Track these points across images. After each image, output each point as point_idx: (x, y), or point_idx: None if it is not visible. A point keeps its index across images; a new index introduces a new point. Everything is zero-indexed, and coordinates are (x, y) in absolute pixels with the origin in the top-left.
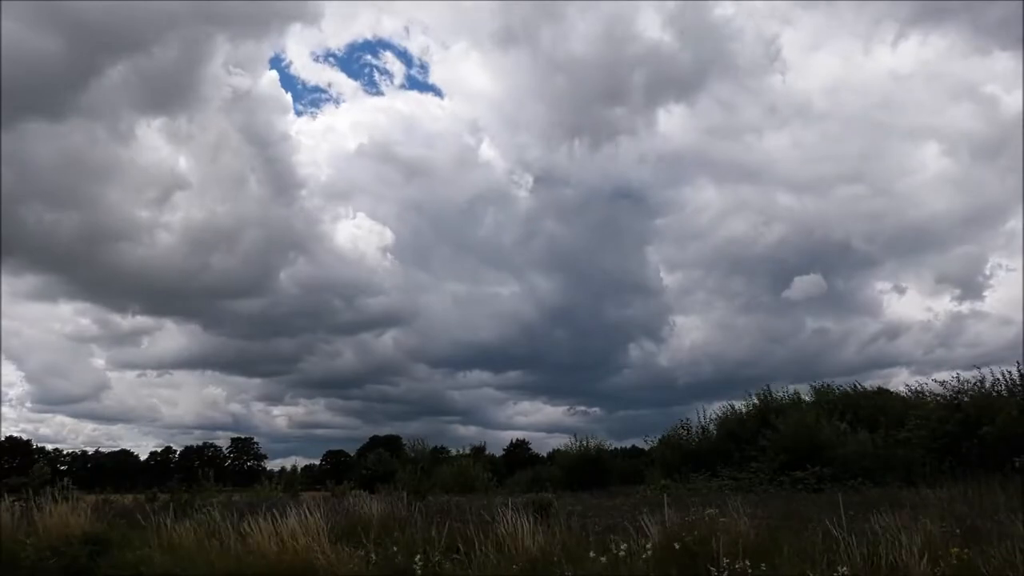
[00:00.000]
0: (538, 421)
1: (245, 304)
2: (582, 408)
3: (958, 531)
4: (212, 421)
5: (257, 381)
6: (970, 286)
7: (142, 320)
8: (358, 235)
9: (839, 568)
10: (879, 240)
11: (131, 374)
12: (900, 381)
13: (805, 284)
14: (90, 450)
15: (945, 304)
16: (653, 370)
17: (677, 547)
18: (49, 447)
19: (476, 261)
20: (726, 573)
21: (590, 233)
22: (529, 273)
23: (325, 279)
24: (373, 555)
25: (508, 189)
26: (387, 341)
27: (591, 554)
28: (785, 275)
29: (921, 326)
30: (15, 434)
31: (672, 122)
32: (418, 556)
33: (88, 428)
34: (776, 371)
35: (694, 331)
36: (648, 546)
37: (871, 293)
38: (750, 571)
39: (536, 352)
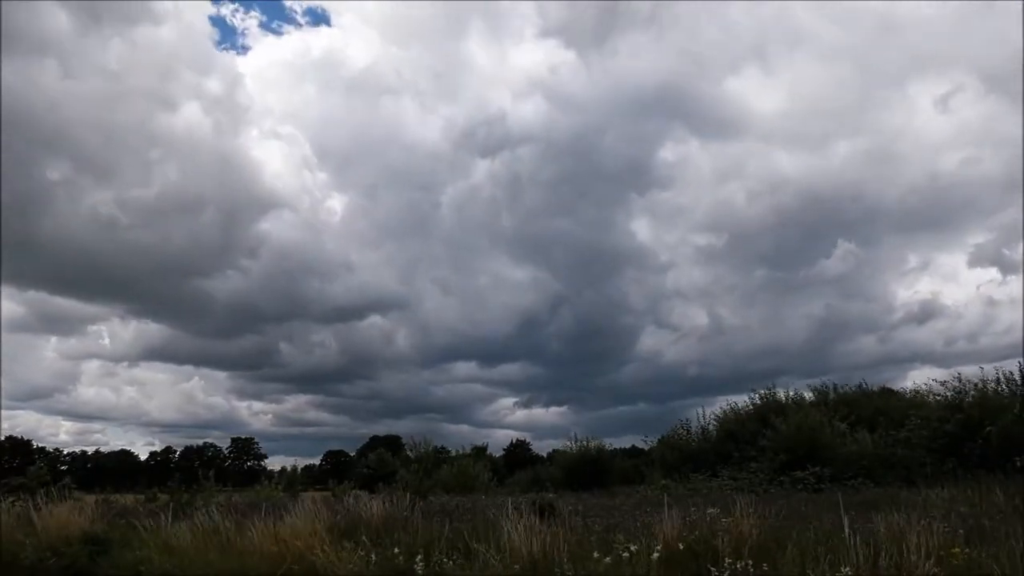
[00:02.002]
0: (530, 418)
1: (204, 285)
2: (573, 406)
3: (961, 531)
4: (193, 418)
5: (223, 374)
6: (1006, 264)
7: (81, 307)
8: (318, 202)
9: (841, 568)
10: (894, 209)
11: (93, 366)
12: (923, 375)
13: (817, 268)
14: (90, 450)
15: (977, 286)
16: (654, 364)
17: (680, 547)
18: (49, 447)
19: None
20: (728, 573)
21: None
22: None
23: (290, 256)
24: (373, 555)
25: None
26: (366, 329)
27: (595, 555)
28: (782, 258)
29: (948, 312)
30: None
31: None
32: (419, 556)
33: (67, 425)
34: (787, 365)
35: (692, 322)
36: (658, 547)
37: (887, 277)
38: (752, 571)
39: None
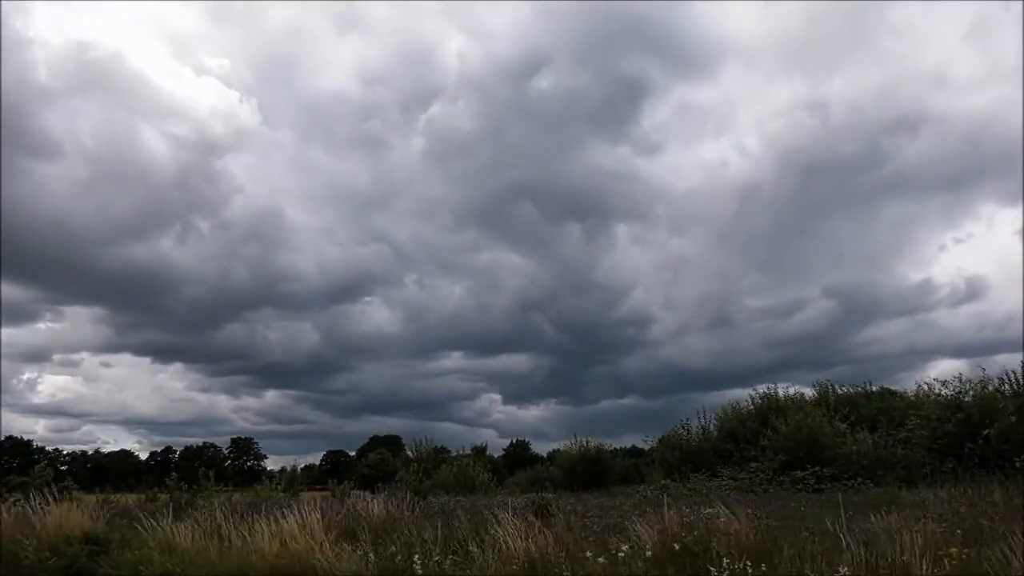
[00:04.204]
0: (519, 415)
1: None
2: (564, 402)
3: (958, 531)
4: (177, 415)
5: (197, 367)
6: None
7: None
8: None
9: (839, 568)
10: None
11: (53, 361)
12: (946, 367)
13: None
14: (89, 449)
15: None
16: (653, 358)
17: (677, 547)
18: (48, 447)
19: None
20: (726, 573)
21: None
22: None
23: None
24: (372, 555)
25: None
26: (339, 316)
27: (589, 554)
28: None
29: (989, 296)
30: None
31: None
32: (417, 556)
33: (43, 423)
34: (799, 356)
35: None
36: (649, 547)
37: (901, 255)
38: (750, 571)
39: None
